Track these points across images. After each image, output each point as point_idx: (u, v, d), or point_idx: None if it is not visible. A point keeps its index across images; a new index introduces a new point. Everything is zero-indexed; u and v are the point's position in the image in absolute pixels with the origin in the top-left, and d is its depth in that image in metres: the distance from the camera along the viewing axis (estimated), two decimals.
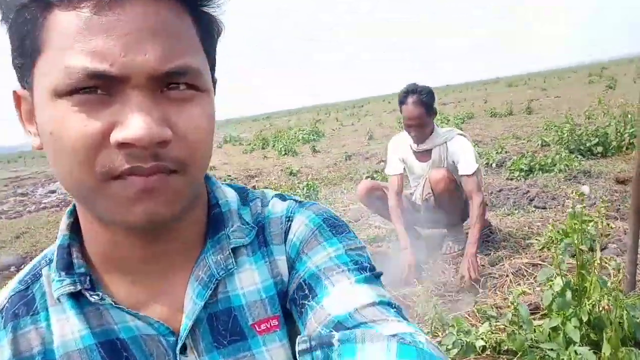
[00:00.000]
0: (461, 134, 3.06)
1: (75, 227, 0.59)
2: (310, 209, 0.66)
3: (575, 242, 1.62)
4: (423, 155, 3.11)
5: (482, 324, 2.01)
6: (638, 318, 1.60)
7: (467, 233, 3.31)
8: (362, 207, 4.79)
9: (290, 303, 0.61)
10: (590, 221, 1.60)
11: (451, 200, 3.02)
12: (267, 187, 5.13)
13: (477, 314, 2.22)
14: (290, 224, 0.64)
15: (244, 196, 0.68)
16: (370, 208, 3.57)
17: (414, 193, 3.29)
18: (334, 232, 0.62)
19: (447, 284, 2.69)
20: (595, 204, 3.55)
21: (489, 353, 1.87)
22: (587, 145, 5.54)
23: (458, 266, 2.85)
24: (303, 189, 4.90)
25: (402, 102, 2.95)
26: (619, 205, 3.58)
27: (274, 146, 12.85)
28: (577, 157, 5.30)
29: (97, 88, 0.45)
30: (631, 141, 5.42)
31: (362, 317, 0.51)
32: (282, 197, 0.69)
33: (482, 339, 1.86)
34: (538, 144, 6.57)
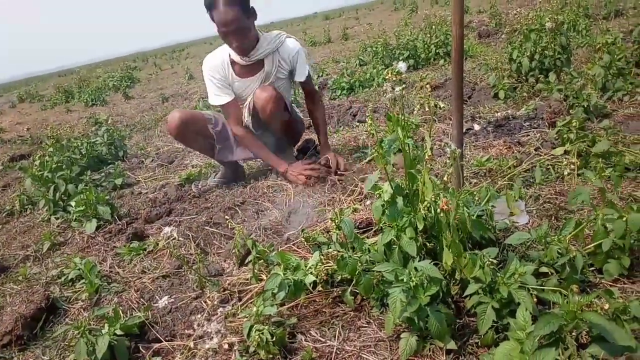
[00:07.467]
0: (289, 37, 2.63)
1: None
2: None
3: (400, 136, 1.32)
4: (249, 71, 2.57)
5: (313, 254, 1.68)
6: (473, 215, 1.40)
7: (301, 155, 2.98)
8: (176, 147, 4.16)
9: None
10: (417, 105, 1.30)
11: (281, 122, 2.64)
12: (57, 137, 4.13)
13: (307, 243, 1.88)
14: None
15: None
16: (189, 146, 2.92)
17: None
18: None
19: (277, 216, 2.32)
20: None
21: (321, 289, 1.55)
22: (400, 58, 5.66)
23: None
24: (103, 135, 4.04)
25: (211, 7, 2.31)
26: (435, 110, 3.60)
27: (79, 98, 11.10)
28: None
29: None
30: (437, 51, 5.68)
31: None
32: None
33: (311, 273, 1.52)
34: (356, 64, 6.56)
